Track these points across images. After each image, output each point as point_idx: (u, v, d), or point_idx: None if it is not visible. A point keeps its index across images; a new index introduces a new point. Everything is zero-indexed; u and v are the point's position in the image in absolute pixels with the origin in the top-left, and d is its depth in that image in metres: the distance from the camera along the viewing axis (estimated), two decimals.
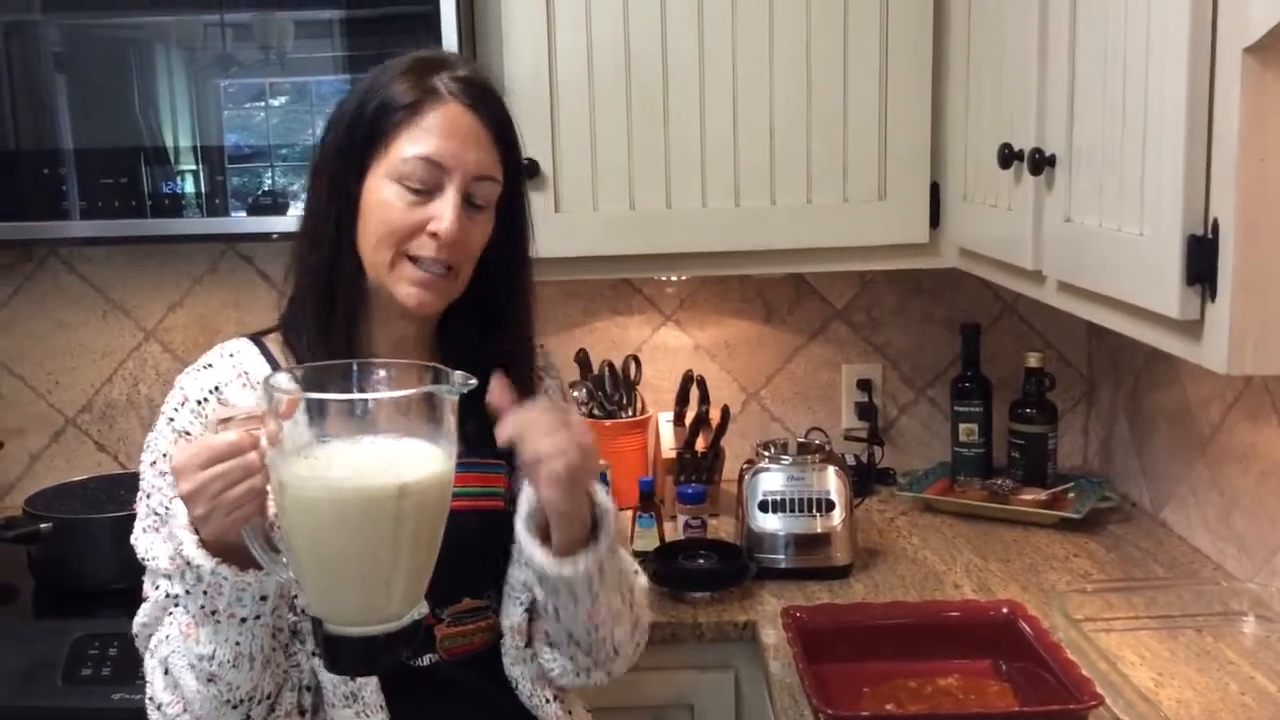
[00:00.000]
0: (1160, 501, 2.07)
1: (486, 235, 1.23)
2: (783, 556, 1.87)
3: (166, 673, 1.15)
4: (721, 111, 1.94)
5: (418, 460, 0.95)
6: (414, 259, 1.18)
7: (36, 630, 1.81)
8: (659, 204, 1.96)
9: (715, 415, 2.20)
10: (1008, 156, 1.54)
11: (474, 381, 0.97)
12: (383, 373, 1.02)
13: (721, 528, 2.08)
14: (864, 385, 2.37)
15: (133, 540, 1.23)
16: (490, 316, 1.29)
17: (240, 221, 1.93)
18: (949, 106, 1.91)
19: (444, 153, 1.16)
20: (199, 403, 1.22)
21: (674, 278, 2.33)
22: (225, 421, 1.01)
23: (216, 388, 1.23)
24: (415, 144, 1.16)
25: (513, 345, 1.33)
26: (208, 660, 1.11)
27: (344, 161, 1.18)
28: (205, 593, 1.07)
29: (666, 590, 1.81)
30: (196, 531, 1.05)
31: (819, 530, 1.88)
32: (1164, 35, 1.14)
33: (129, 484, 2.01)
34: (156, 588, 1.20)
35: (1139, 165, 1.20)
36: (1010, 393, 2.24)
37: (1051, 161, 1.44)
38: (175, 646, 1.14)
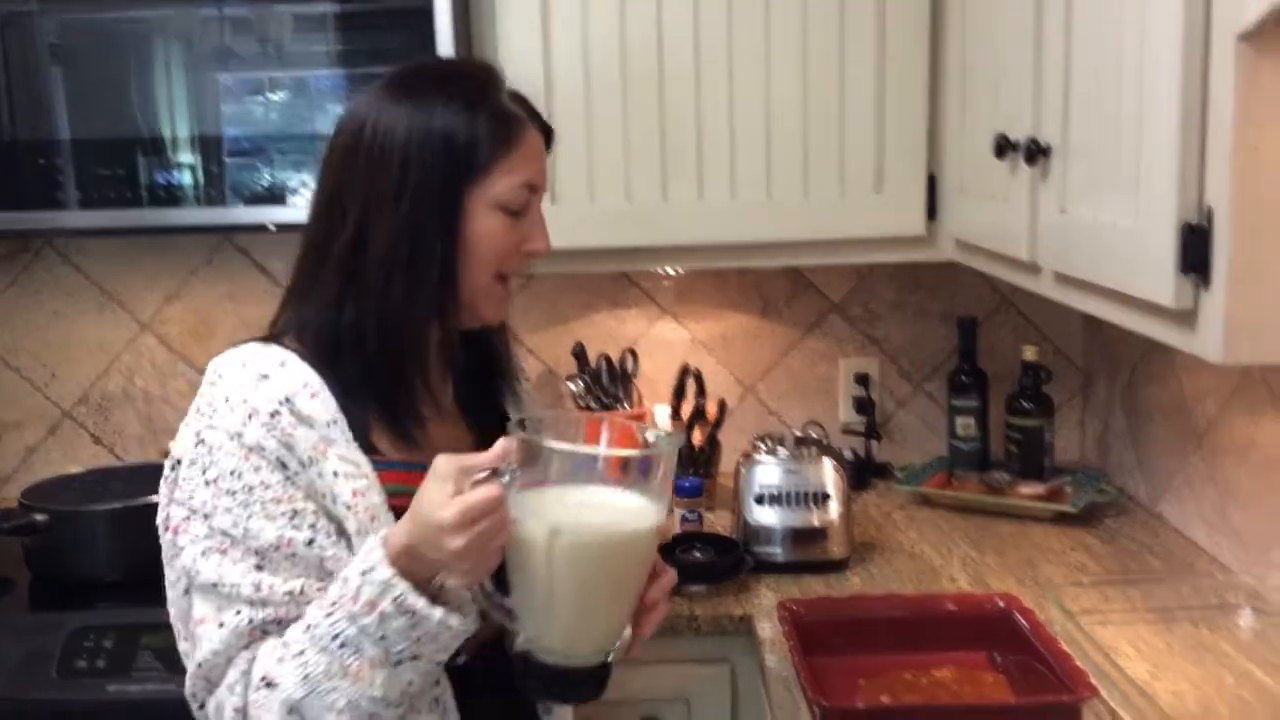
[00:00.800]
0: (1156, 495, 2.07)
1: None
2: (779, 550, 1.87)
3: (291, 711, 1.08)
4: (718, 104, 1.94)
5: (645, 509, 1.08)
6: (506, 277, 1.24)
7: (32, 623, 1.80)
8: (655, 197, 1.96)
9: (712, 409, 2.20)
10: (1003, 147, 1.54)
11: (681, 437, 1.06)
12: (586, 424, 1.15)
13: (718, 521, 2.08)
14: (861, 379, 2.36)
15: (187, 563, 1.14)
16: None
17: (238, 213, 1.93)
18: (945, 98, 1.91)
19: (535, 176, 1.22)
20: (271, 415, 1.14)
21: (671, 271, 2.33)
22: (467, 472, 1.05)
23: (287, 399, 1.15)
24: (516, 173, 1.19)
25: (503, 344, 1.38)
26: (378, 701, 1.08)
27: (437, 194, 1.17)
28: (418, 639, 1.07)
29: None
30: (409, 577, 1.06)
31: (815, 524, 1.87)
32: (1158, 23, 1.13)
33: (125, 476, 2.03)
34: (238, 613, 1.12)
35: (1134, 154, 1.20)
36: (1007, 386, 2.24)
37: (1046, 152, 1.44)
38: (323, 685, 1.07)
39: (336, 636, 1.07)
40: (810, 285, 2.37)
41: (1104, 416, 2.31)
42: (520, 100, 1.24)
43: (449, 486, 1.04)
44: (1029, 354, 2.19)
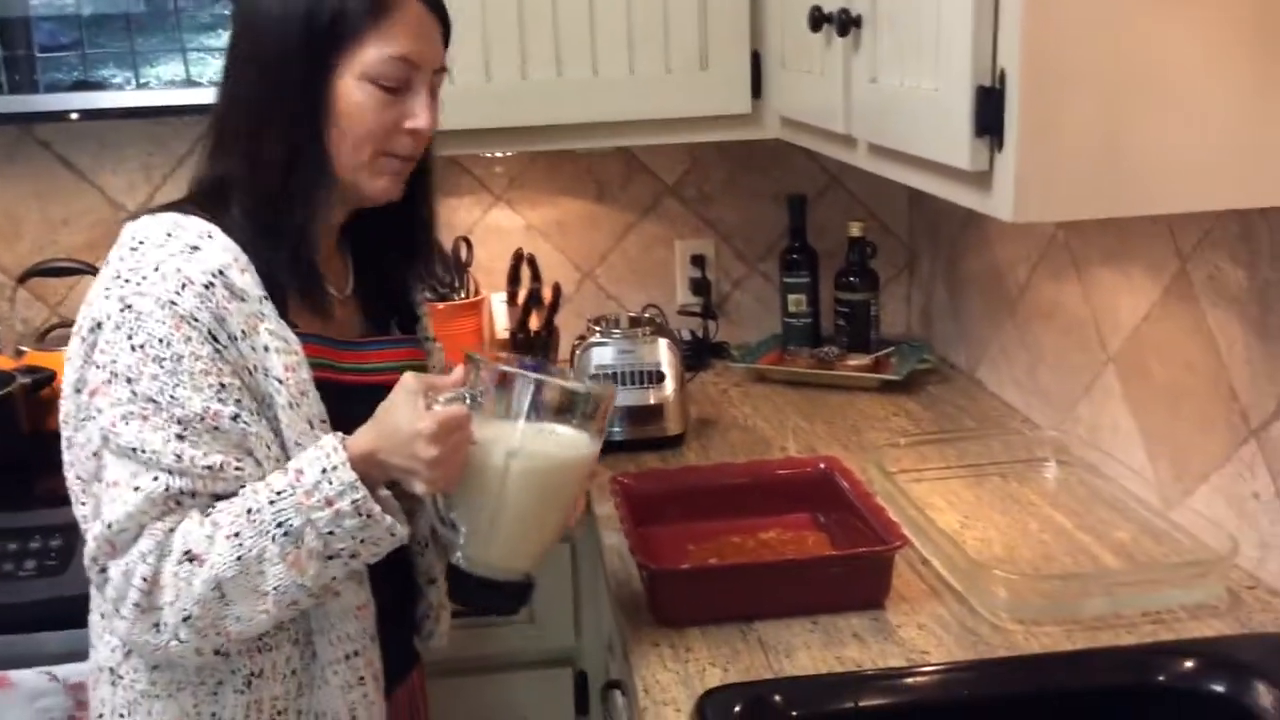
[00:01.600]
0: (974, 361, 2.17)
1: (438, 121, 1.28)
2: (617, 429, 1.90)
3: (216, 588, 1.09)
4: None
5: (589, 443, 1.20)
6: (389, 154, 1.22)
7: None
8: (477, 77, 1.91)
9: (548, 294, 2.20)
10: (818, 19, 1.55)
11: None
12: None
13: None
14: (697, 261, 2.39)
15: (105, 425, 1.11)
16: (404, 204, 1.31)
17: (48, 100, 1.82)
18: None
19: (415, 52, 1.20)
20: (206, 287, 1.12)
21: (499, 154, 2.29)
22: (435, 390, 1.14)
23: (220, 271, 1.14)
24: (389, 45, 1.18)
25: (422, 231, 1.38)
26: (303, 590, 1.12)
27: (301, 63, 1.17)
28: (362, 541, 1.12)
29: None
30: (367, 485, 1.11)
31: (651, 401, 1.91)
32: None
33: None
34: (155, 479, 1.10)
35: (935, 20, 1.22)
36: (837, 263, 2.29)
37: (858, 22, 1.45)
38: (254, 568, 1.10)
39: (281, 524, 1.10)
40: (644, 169, 2.37)
41: (927, 289, 2.39)
42: None
43: (419, 401, 1.12)
44: (855, 230, 2.25)
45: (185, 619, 1.10)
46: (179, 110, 1.88)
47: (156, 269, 1.13)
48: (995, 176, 1.14)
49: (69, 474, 1.20)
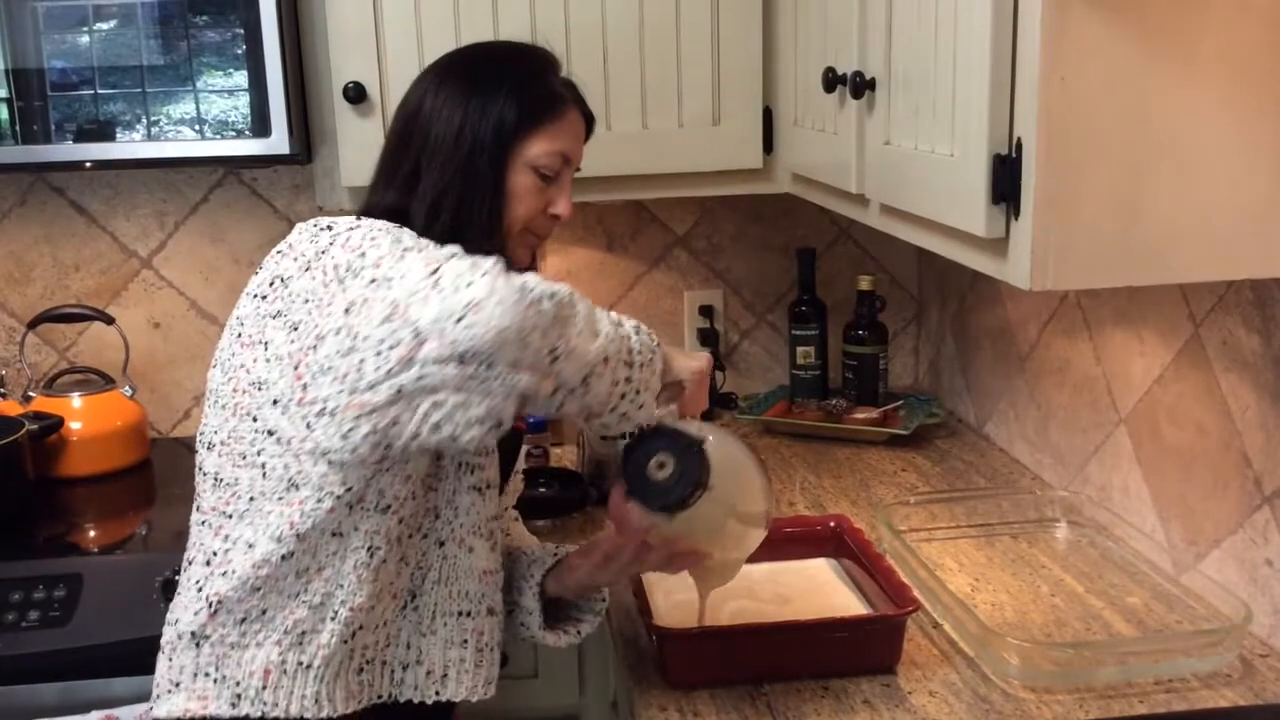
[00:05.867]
0: (983, 416, 2.17)
1: None
2: None
3: (528, 292, 1.07)
4: (555, 37, 1.89)
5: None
6: (533, 232, 1.40)
7: None
8: None
9: None
10: (832, 80, 1.56)
11: None
12: None
13: (565, 456, 2.09)
14: (705, 311, 2.40)
15: (381, 271, 1.11)
16: None
17: (61, 150, 1.84)
18: (780, 31, 1.92)
19: (569, 149, 1.39)
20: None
21: None
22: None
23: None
24: (554, 142, 1.36)
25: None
26: (613, 360, 1.17)
27: (499, 149, 1.34)
28: (644, 379, 1.22)
29: None
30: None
31: None
32: None
33: None
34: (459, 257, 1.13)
35: (950, 87, 1.23)
36: (845, 316, 2.29)
37: (872, 85, 1.46)
38: (591, 315, 1.16)
39: (603, 312, 1.20)
40: (654, 219, 2.37)
41: (936, 343, 2.39)
42: (576, 89, 1.43)
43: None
44: (864, 284, 2.25)
45: (550, 294, 1.09)
46: (192, 162, 1.89)
47: (369, 229, 1.20)
48: (1011, 244, 1.15)
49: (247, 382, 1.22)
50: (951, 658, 1.39)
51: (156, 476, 2.11)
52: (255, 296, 1.25)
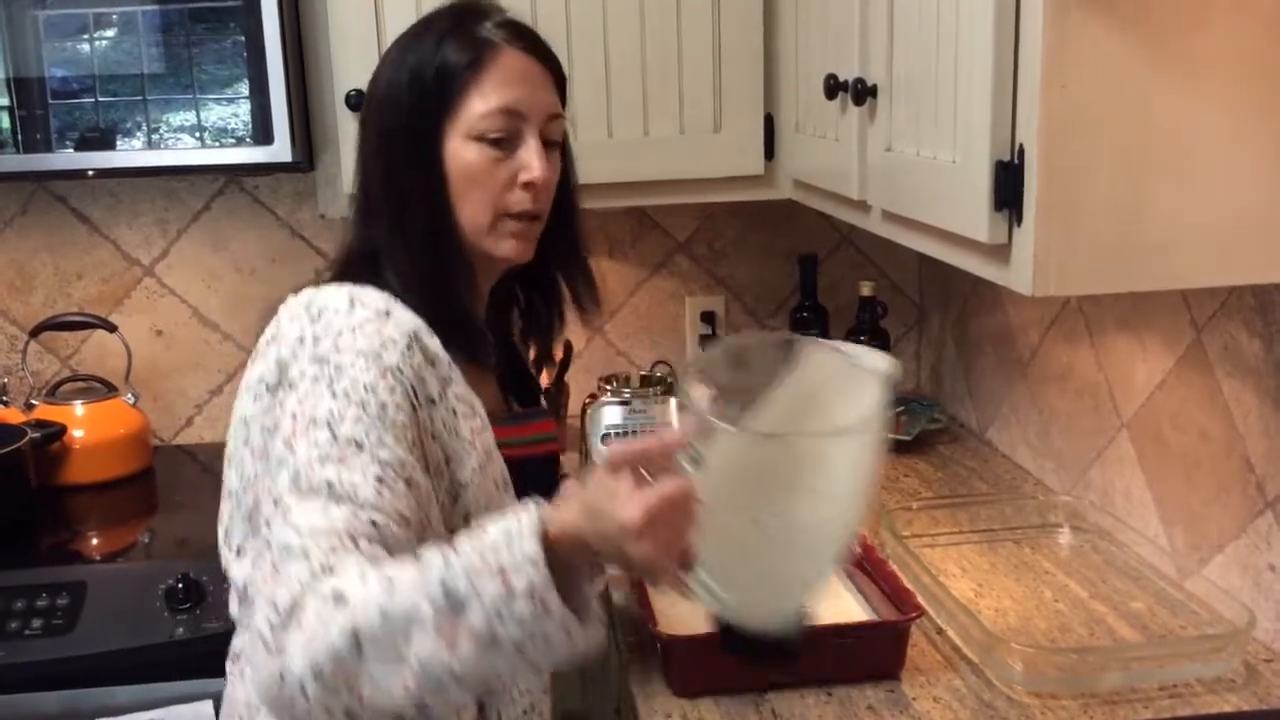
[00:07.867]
0: (986, 421, 2.17)
1: (559, 171, 1.24)
2: None
3: (351, 637, 0.92)
4: (556, 44, 1.87)
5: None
6: (510, 214, 1.19)
7: None
8: None
9: (558, 351, 2.20)
10: (833, 87, 1.57)
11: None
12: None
13: (567, 464, 2.09)
14: (707, 317, 2.40)
15: (302, 466, 1.02)
16: (552, 247, 1.29)
17: (62, 158, 1.84)
18: (781, 38, 1.92)
19: (516, 100, 1.16)
20: (407, 347, 1.09)
21: None
22: (645, 459, 0.92)
23: (416, 334, 1.11)
24: (486, 99, 1.15)
25: (574, 269, 1.35)
26: (451, 675, 0.92)
27: (416, 135, 1.17)
28: (532, 635, 0.92)
29: None
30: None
31: None
32: None
33: None
34: (343, 508, 1.00)
35: (951, 94, 1.23)
36: (847, 321, 2.29)
37: (874, 92, 1.46)
38: (402, 629, 0.92)
39: (445, 585, 0.92)
40: (656, 225, 2.38)
41: (937, 348, 2.39)
42: (512, 26, 1.20)
43: (627, 479, 0.92)
44: (866, 289, 2.25)
45: (314, 671, 0.92)
46: (194, 170, 1.90)
47: (352, 331, 1.08)
48: (1014, 250, 1.15)
49: (227, 523, 1.15)
50: (955, 663, 1.39)
51: (159, 484, 2.11)
52: (255, 398, 1.13)
